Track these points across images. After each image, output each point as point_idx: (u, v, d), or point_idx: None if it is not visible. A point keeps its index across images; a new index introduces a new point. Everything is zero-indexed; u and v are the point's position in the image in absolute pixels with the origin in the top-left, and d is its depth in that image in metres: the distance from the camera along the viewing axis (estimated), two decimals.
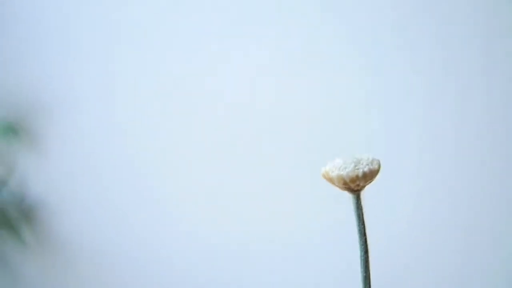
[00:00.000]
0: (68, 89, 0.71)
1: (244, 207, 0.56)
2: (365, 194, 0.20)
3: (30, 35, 0.74)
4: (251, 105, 0.52)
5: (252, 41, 0.49)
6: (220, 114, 0.54)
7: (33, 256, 0.84)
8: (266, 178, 0.53)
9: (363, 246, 0.17)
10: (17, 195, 0.83)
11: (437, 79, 0.39)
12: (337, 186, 0.18)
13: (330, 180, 0.18)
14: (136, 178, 0.66)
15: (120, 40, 0.62)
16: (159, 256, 0.65)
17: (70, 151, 0.75)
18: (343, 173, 0.17)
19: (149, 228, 0.65)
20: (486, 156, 0.39)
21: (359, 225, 0.18)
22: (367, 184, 0.18)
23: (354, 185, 0.18)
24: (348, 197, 0.19)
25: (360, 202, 0.18)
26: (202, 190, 0.58)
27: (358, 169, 0.17)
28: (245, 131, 0.54)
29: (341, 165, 0.18)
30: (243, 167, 0.54)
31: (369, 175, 0.18)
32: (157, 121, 0.59)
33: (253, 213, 0.54)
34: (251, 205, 0.55)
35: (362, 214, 0.18)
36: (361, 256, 0.17)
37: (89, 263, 0.76)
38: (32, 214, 0.82)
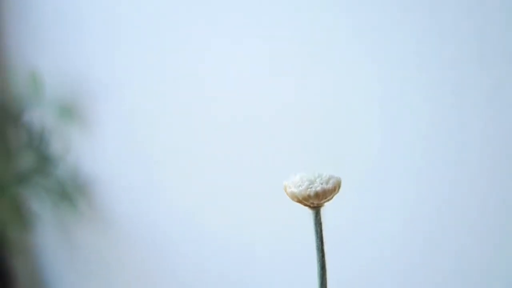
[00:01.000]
0: (116, 74, 0.74)
1: (250, 205, 0.56)
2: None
3: (81, 24, 0.78)
4: (261, 104, 0.52)
5: (261, 38, 0.48)
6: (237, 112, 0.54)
7: (87, 225, 0.90)
8: (273, 177, 0.53)
9: (320, 262, 0.17)
10: (73, 171, 0.89)
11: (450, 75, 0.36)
12: (295, 202, 0.18)
13: (287, 195, 0.18)
14: (177, 157, 0.68)
15: (162, 28, 0.63)
16: (195, 230, 0.68)
17: (118, 131, 0.78)
18: (296, 191, 0.17)
19: (187, 204, 0.68)
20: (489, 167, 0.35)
21: (317, 241, 0.17)
22: (324, 202, 0.18)
23: (309, 203, 0.17)
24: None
25: (319, 217, 0.18)
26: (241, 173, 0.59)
27: (311, 188, 0.17)
28: (254, 130, 0.54)
29: (297, 182, 0.17)
30: (251, 166, 0.54)
31: (322, 195, 0.17)
32: (198, 106, 0.60)
33: (258, 212, 0.54)
34: (256, 203, 0.55)
35: (321, 230, 0.18)
36: (318, 272, 0.17)
37: (133, 232, 0.81)
38: (86, 188, 0.88)
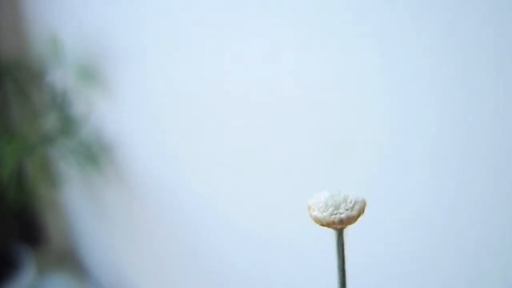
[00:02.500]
0: (138, 36, 0.72)
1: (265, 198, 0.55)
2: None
3: None
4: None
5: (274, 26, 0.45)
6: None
7: (110, 183, 0.93)
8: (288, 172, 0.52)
9: (341, 282, 0.17)
10: (96, 132, 0.90)
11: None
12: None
13: (311, 218, 0.17)
14: (194, 123, 0.67)
15: None
16: (209, 190, 0.69)
17: (139, 93, 0.78)
18: (320, 216, 0.17)
19: (205, 164, 0.68)
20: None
21: (338, 261, 0.17)
22: (347, 226, 0.17)
23: (332, 227, 0.17)
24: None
25: (342, 239, 0.17)
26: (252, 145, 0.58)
27: (335, 214, 0.17)
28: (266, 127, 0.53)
29: (321, 206, 0.17)
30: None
31: (346, 221, 0.17)
32: (218, 70, 0.58)
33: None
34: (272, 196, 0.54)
35: (343, 251, 0.17)
36: None
37: (152, 190, 0.83)
38: (109, 149, 0.90)
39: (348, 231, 0.18)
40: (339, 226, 0.17)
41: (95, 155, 0.90)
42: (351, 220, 0.17)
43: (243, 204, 0.63)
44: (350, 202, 0.17)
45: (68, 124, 0.91)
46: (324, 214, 0.17)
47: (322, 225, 0.17)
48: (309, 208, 0.17)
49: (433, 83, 0.35)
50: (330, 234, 0.18)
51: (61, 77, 0.91)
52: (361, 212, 0.17)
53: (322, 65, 0.44)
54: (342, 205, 0.17)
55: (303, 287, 0.54)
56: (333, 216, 0.17)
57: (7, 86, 0.99)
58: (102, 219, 1.01)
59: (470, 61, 0.33)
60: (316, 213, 0.17)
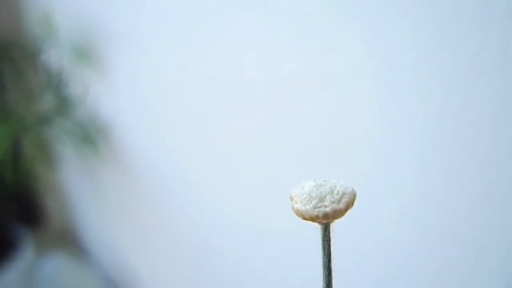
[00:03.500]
0: (135, 20, 0.70)
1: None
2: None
3: None
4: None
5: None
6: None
7: (106, 164, 0.92)
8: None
9: (326, 280, 0.15)
10: (92, 113, 0.88)
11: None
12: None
13: (293, 211, 0.15)
14: (189, 104, 0.66)
15: None
16: (208, 169, 0.67)
17: (134, 74, 0.76)
18: (302, 209, 0.15)
19: (201, 145, 0.67)
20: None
21: (323, 258, 0.15)
22: (333, 221, 0.15)
23: (317, 222, 0.15)
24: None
25: (328, 234, 0.15)
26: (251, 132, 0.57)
27: (319, 207, 0.15)
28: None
29: (305, 198, 0.15)
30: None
31: (332, 215, 0.15)
32: (220, 51, 0.56)
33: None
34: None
35: (329, 247, 0.15)
36: None
37: (148, 171, 0.82)
38: (105, 130, 0.88)
39: (336, 226, 0.16)
40: (324, 221, 0.15)
41: (90, 135, 0.89)
42: (337, 214, 0.15)
43: (239, 184, 0.62)
44: (337, 194, 0.15)
45: (64, 105, 0.89)
46: (307, 207, 0.15)
47: (305, 219, 0.15)
48: (291, 199, 0.15)
49: (426, 79, 0.33)
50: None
51: (56, 57, 0.89)
52: (349, 205, 0.15)
53: (320, 63, 0.43)
54: (327, 197, 0.15)
55: (295, 281, 0.53)
56: (317, 209, 0.15)
57: (3, 66, 0.97)
58: (99, 199, 1.00)
59: (461, 58, 0.31)
60: (298, 205, 0.15)
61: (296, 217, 0.15)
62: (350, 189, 0.15)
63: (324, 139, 0.45)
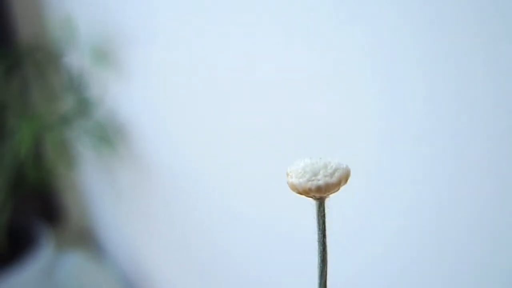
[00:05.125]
0: (151, 21, 0.71)
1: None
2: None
3: None
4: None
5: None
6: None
7: (124, 164, 0.93)
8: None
9: (320, 255, 0.15)
10: (110, 113, 0.90)
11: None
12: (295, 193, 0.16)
13: (288, 185, 0.16)
14: (209, 105, 0.67)
15: None
16: (225, 169, 0.68)
17: (151, 76, 0.78)
18: (296, 182, 0.15)
19: (218, 145, 0.68)
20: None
21: (318, 233, 0.15)
22: (328, 195, 0.15)
23: (310, 195, 0.15)
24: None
25: (322, 209, 0.16)
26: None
27: (312, 181, 0.15)
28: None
29: (299, 172, 0.15)
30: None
31: (324, 189, 0.15)
32: (235, 51, 0.57)
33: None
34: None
35: (324, 223, 0.15)
36: (318, 265, 0.16)
37: (165, 170, 0.83)
38: (123, 130, 0.90)
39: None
40: (317, 195, 0.15)
41: (109, 135, 0.91)
42: (329, 187, 0.15)
43: (255, 184, 0.62)
44: (331, 169, 0.15)
45: (84, 106, 0.92)
46: (301, 180, 0.15)
47: (299, 193, 0.15)
48: (287, 175, 0.16)
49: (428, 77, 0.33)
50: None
51: (77, 59, 0.91)
52: (342, 180, 0.15)
53: (325, 62, 0.43)
54: (321, 172, 0.15)
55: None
56: (310, 182, 0.15)
57: (26, 68, 1.01)
58: (118, 199, 1.02)
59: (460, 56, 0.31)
60: (293, 179, 0.15)
61: (291, 192, 0.15)
62: (344, 166, 0.15)
63: (333, 137, 0.45)
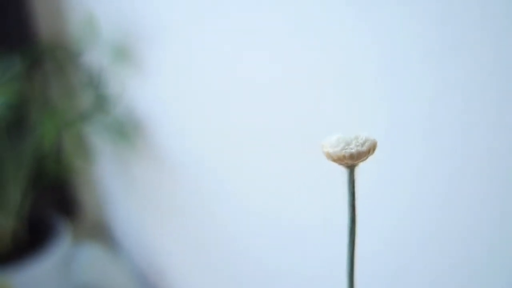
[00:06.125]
0: (169, 18, 0.74)
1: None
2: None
3: None
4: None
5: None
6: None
7: (141, 159, 0.96)
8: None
9: (351, 216, 0.18)
10: (129, 109, 0.93)
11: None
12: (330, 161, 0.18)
13: (324, 155, 0.18)
14: (224, 101, 0.69)
15: None
16: (239, 163, 0.70)
17: (169, 73, 0.80)
18: (331, 151, 0.18)
19: (232, 139, 0.69)
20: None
21: (349, 197, 0.18)
22: (359, 162, 0.18)
23: (344, 163, 0.18)
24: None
25: (353, 176, 0.18)
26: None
27: (346, 149, 0.17)
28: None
29: (334, 143, 0.18)
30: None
31: (356, 156, 0.17)
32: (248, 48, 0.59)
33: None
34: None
35: (354, 188, 0.18)
36: (348, 225, 0.18)
37: (182, 166, 0.85)
38: (140, 126, 0.93)
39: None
40: (350, 162, 0.18)
41: (127, 131, 0.94)
42: (361, 155, 0.18)
43: (270, 182, 0.64)
44: (361, 140, 0.18)
45: (103, 102, 0.95)
46: (336, 149, 0.18)
47: (334, 160, 0.18)
48: (322, 146, 0.18)
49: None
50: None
51: (97, 56, 0.94)
52: (371, 149, 0.18)
53: (330, 62, 0.45)
54: (353, 142, 0.18)
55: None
56: (344, 151, 0.18)
57: (47, 65, 1.04)
58: (133, 194, 1.05)
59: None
60: (328, 149, 0.18)
61: (326, 159, 0.18)
62: (372, 138, 0.18)
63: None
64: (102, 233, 1.19)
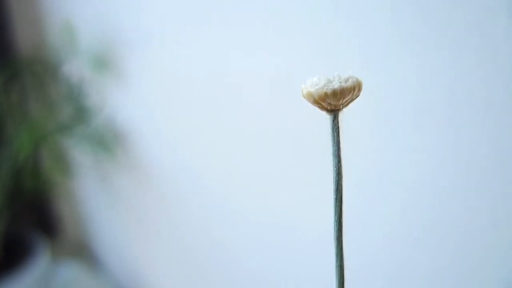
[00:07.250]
0: (150, 27, 0.73)
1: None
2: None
3: None
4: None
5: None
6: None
7: (123, 171, 0.93)
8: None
9: (336, 168, 0.16)
10: (109, 121, 0.90)
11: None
12: (312, 104, 0.16)
13: (304, 97, 0.16)
14: (206, 110, 0.67)
15: None
16: (224, 172, 0.68)
17: (150, 83, 0.78)
18: (312, 90, 0.16)
19: (218, 150, 0.68)
20: None
21: (333, 146, 0.16)
22: (343, 103, 0.16)
23: (326, 104, 0.16)
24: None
25: (337, 122, 0.16)
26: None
27: (328, 86, 0.16)
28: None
29: (315, 82, 0.16)
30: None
31: (340, 93, 0.15)
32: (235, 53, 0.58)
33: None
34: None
35: (338, 135, 0.16)
36: (334, 178, 0.16)
37: (164, 178, 0.82)
38: (122, 137, 0.90)
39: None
40: (333, 102, 0.16)
41: (108, 142, 0.91)
42: (344, 92, 0.16)
43: (256, 189, 0.62)
44: (344, 77, 0.16)
45: (83, 114, 0.92)
46: (317, 87, 0.16)
47: (315, 101, 0.16)
48: (302, 90, 0.16)
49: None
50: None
51: (76, 66, 0.92)
52: (355, 86, 0.16)
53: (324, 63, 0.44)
54: (335, 79, 0.16)
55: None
56: (326, 87, 0.16)
57: (25, 79, 1.01)
58: (115, 209, 1.01)
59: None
60: (308, 88, 0.16)
61: (306, 102, 0.16)
62: (356, 77, 0.16)
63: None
64: (83, 251, 1.14)
